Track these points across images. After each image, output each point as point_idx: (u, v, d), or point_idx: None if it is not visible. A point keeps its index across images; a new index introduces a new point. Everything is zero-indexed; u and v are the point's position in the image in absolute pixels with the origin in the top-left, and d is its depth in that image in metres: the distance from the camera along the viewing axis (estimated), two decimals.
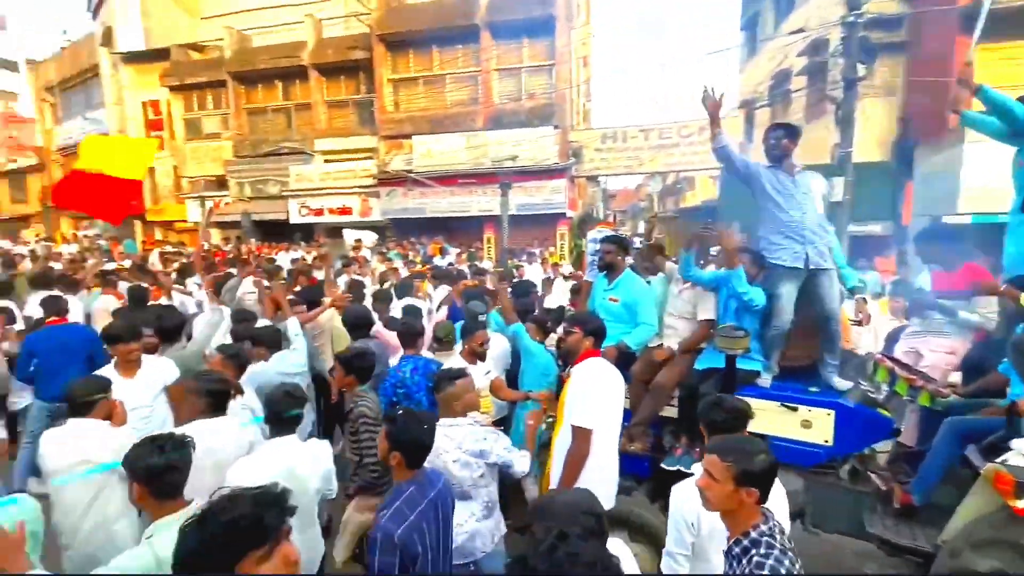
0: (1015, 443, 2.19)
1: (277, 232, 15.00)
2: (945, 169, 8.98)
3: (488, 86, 14.29)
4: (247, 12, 17.75)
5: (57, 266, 8.34)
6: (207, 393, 2.50)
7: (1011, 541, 1.99)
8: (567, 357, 2.87)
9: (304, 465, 2.35)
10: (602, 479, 2.59)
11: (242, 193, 16.94)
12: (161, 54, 17.71)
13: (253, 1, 17.69)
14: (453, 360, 3.43)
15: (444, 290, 6.05)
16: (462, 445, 2.33)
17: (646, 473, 3.29)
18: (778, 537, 1.56)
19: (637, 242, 5.47)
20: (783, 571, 1.47)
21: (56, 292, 5.14)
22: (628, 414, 3.33)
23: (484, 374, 3.45)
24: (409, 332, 3.51)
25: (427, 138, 14.61)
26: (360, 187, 15.42)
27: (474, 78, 14.55)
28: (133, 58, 18.26)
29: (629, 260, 3.95)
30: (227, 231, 16.33)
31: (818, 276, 3.11)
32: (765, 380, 3.18)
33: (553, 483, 2.62)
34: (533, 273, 9.14)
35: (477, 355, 3.46)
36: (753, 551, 1.53)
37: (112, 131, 19.38)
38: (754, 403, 2.88)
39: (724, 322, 3.19)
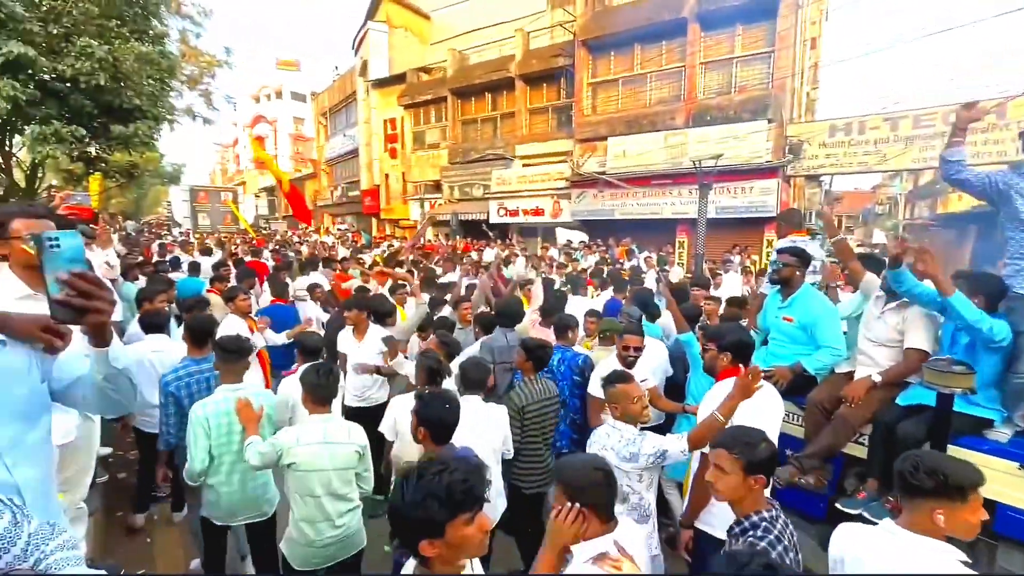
0: None
1: (478, 230, 16.48)
2: None
3: (692, 81, 13.39)
4: (466, 34, 19.90)
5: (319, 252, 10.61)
6: (425, 368, 2.90)
7: None
8: (710, 374, 2.68)
9: (482, 422, 2.74)
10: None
11: (452, 196, 19.06)
12: (400, 79, 20.99)
13: (471, 23, 19.74)
14: (612, 359, 3.33)
15: (610, 292, 6.18)
16: (615, 447, 2.33)
17: (819, 514, 2.87)
18: (778, 526, 1.69)
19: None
20: (774, 554, 1.60)
21: (282, 276, 6.54)
22: (799, 443, 2.98)
23: (640, 381, 3.25)
24: (561, 324, 3.78)
25: (622, 139, 14.37)
26: (553, 189, 15.97)
27: (677, 74, 13.78)
28: (379, 84, 22.01)
29: (815, 277, 3.55)
30: (439, 228, 18.59)
31: None
32: (1002, 433, 2.58)
33: (682, 506, 2.61)
34: (731, 282, 8.22)
35: (624, 360, 3.24)
36: (751, 531, 1.68)
37: (361, 145, 23.76)
38: (978, 458, 2.38)
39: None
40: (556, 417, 3.20)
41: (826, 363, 3.08)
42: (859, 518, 2.53)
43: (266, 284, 6.42)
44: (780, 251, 3.35)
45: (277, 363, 4.66)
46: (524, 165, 17.08)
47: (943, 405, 2.40)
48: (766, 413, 2.33)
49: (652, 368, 3.54)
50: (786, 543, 1.65)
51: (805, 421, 3.02)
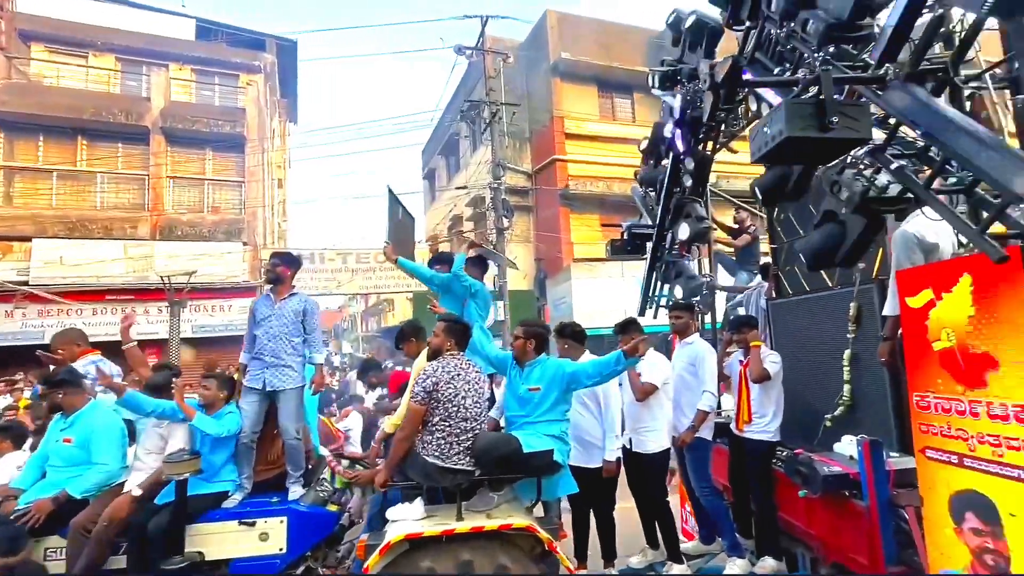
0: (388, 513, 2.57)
1: None
2: (564, 296, 12.41)
3: (158, 192, 12.57)
4: None
5: None
6: None
7: None
8: None
9: None
10: None
11: None
12: None
13: None
14: None
15: None
16: None
17: None
18: None
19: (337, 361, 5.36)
20: None
21: None
22: None
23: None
24: None
25: (58, 242, 11.50)
26: None
27: (140, 181, 12.61)
28: None
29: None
30: None
31: (277, 396, 3.25)
32: (234, 499, 3.06)
33: None
34: None
35: None
36: None
37: None
38: (216, 526, 2.84)
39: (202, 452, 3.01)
40: None
41: (93, 483, 2.93)
42: None
43: None
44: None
45: None
46: None
47: (179, 490, 2.68)
48: None
49: None
50: None
51: (68, 549, 2.76)
